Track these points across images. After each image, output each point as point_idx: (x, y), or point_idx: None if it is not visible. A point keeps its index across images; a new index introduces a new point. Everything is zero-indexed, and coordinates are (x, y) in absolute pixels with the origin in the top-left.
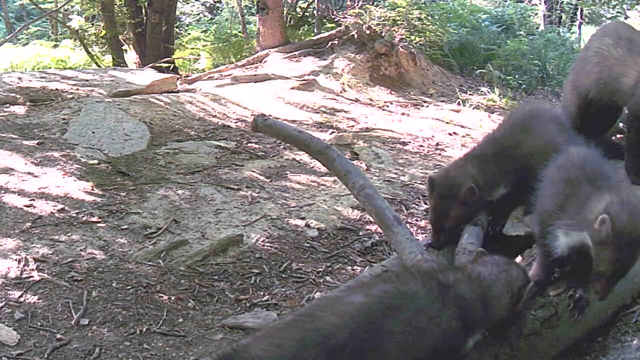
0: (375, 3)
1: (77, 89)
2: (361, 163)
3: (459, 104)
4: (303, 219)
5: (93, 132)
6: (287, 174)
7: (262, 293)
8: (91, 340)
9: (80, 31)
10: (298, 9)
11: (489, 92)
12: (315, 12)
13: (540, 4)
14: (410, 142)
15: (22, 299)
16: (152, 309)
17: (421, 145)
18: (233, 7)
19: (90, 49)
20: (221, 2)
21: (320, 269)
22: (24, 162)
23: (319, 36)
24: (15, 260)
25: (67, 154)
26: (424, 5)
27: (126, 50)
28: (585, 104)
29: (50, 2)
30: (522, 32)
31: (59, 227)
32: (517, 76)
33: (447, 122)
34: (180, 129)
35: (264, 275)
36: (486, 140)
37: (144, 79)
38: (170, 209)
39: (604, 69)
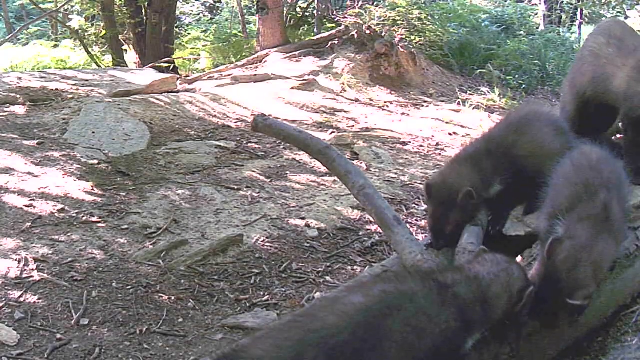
0: (375, 3)
1: (77, 89)
2: (361, 163)
3: (459, 104)
4: (303, 219)
5: (93, 132)
6: (287, 174)
7: (262, 293)
8: (91, 340)
9: (80, 31)
10: (298, 9)
11: (489, 92)
12: (315, 12)
13: (540, 4)
14: (410, 142)
15: (22, 299)
16: (152, 309)
17: (421, 145)
18: (233, 7)
19: (90, 49)
20: (221, 2)
21: (320, 269)
22: (24, 162)
23: (319, 36)
24: (15, 260)
25: (67, 154)
26: (424, 5)
27: (126, 50)
28: (583, 104)
29: (50, 2)
30: (522, 32)
31: (59, 227)
32: (517, 76)
33: (447, 122)
34: (180, 129)
35: (264, 275)
36: (480, 138)
37: (144, 79)
38: (170, 209)
39: (597, 68)
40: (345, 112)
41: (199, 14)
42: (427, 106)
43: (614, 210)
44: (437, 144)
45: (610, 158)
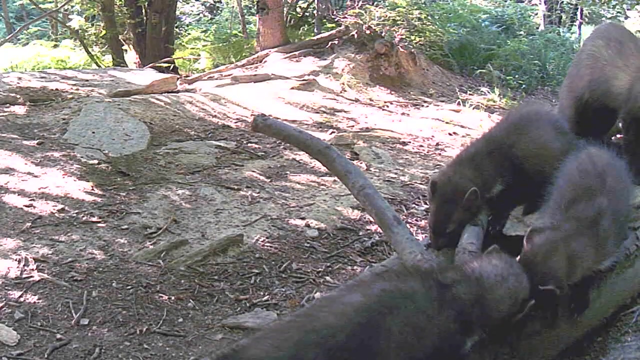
0: (375, 3)
1: (77, 89)
2: (361, 163)
3: (459, 104)
4: (303, 219)
5: (93, 132)
6: (287, 174)
7: (262, 293)
8: (91, 340)
9: (80, 31)
10: (298, 9)
11: (489, 92)
12: (315, 12)
13: (540, 4)
14: (410, 142)
15: (22, 299)
16: (152, 309)
17: (421, 145)
18: (233, 7)
19: (90, 49)
20: (221, 2)
21: (320, 269)
22: (24, 162)
23: (319, 36)
24: (15, 260)
25: (67, 154)
26: (424, 5)
27: (126, 50)
28: (582, 107)
29: (50, 2)
30: (522, 32)
31: (59, 227)
32: (517, 76)
33: (447, 122)
34: (180, 129)
35: (264, 275)
36: (481, 138)
37: (144, 79)
38: (170, 209)
39: (595, 70)
40: (345, 112)
41: (199, 14)
42: (427, 106)
43: (604, 221)
44: (437, 144)
45: (617, 165)
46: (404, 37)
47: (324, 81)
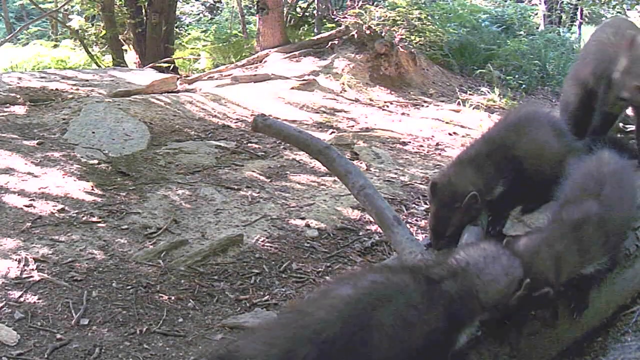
0: (375, 3)
1: (77, 89)
2: (361, 163)
3: (458, 104)
4: (303, 219)
5: (93, 132)
6: (287, 174)
7: (262, 293)
8: (91, 340)
9: (80, 31)
10: (298, 9)
11: (489, 92)
12: (315, 12)
13: (540, 4)
14: (410, 142)
15: (22, 299)
16: (152, 309)
17: (421, 145)
18: (233, 7)
19: (90, 49)
20: (221, 2)
21: (320, 269)
22: (24, 162)
23: (319, 36)
24: (15, 260)
25: (67, 154)
26: (424, 5)
27: (126, 50)
28: (586, 96)
29: (50, 2)
30: (522, 32)
31: (59, 227)
32: (517, 76)
33: (447, 122)
34: (180, 129)
35: (264, 275)
36: (480, 140)
37: (144, 79)
38: (170, 209)
39: (600, 54)
40: (345, 112)
41: (199, 14)
42: (427, 106)
43: (588, 226)
44: (437, 144)
45: (624, 173)
46: (404, 37)
47: (324, 81)
